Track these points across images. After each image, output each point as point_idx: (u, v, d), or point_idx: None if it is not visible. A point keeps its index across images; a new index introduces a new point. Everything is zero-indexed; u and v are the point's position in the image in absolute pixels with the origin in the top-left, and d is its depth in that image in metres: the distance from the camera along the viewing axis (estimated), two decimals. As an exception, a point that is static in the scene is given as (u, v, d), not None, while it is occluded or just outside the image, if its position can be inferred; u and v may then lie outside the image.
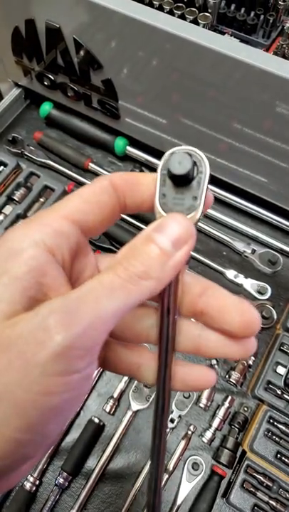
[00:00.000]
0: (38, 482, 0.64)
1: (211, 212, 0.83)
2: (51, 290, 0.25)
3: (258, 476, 0.63)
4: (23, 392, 0.21)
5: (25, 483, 0.63)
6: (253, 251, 0.79)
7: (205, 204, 0.27)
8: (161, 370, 0.29)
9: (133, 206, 0.29)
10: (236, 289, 0.77)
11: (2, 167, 0.85)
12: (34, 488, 0.63)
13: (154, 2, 0.74)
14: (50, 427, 0.23)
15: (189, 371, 0.30)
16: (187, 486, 0.65)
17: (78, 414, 0.69)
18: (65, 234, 0.26)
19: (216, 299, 0.28)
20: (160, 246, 0.24)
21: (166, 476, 0.65)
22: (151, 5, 0.74)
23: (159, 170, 0.27)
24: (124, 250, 0.25)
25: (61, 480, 0.64)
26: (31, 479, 0.63)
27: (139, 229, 0.82)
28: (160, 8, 0.73)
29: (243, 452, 0.66)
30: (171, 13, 0.73)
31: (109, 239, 0.80)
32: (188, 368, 0.30)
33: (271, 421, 0.66)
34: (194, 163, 0.26)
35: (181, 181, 0.26)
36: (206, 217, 0.83)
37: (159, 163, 0.27)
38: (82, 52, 0.73)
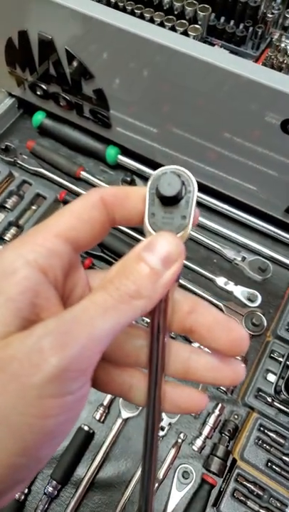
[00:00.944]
0: (26, 491, 0.63)
1: (201, 220, 0.84)
2: (44, 310, 0.25)
3: (248, 485, 0.63)
4: (18, 416, 0.21)
5: (13, 492, 0.62)
6: (243, 258, 0.80)
7: (193, 221, 0.27)
8: (151, 390, 0.29)
9: (122, 220, 0.29)
10: (226, 296, 0.78)
11: (-5, 175, 0.86)
12: (23, 497, 0.63)
13: (146, 15, 0.75)
14: (45, 451, 0.23)
15: (180, 393, 0.30)
16: (177, 495, 0.64)
17: (68, 422, 0.68)
18: (58, 253, 0.26)
19: (205, 316, 0.28)
20: (150, 265, 0.25)
21: (156, 485, 0.65)
22: (142, 17, 0.75)
23: (147, 189, 0.28)
24: (115, 269, 0.25)
25: (50, 489, 0.63)
26: (20, 488, 0.62)
27: (131, 237, 0.83)
28: (151, 21, 0.75)
29: (234, 460, 0.65)
30: (162, 25, 0.74)
31: (100, 247, 0.80)
32: (180, 390, 0.30)
33: (262, 429, 0.66)
34: (182, 183, 0.27)
35: (171, 201, 0.27)
36: (197, 225, 0.84)
37: (148, 183, 0.28)
38: (74, 63, 0.74)
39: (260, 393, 0.68)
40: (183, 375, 0.30)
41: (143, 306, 0.24)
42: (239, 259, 0.80)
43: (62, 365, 0.21)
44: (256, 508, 0.61)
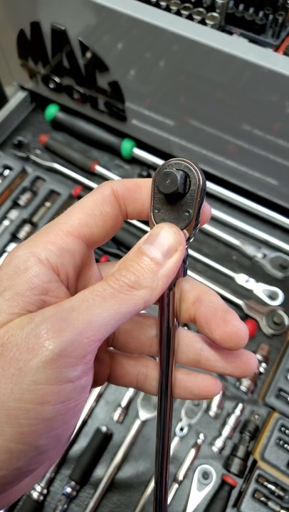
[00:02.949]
0: (45, 491, 0.63)
1: (220, 215, 0.82)
2: None
3: (269, 486, 0.62)
4: (15, 402, 0.22)
5: (32, 492, 0.62)
6: (264, 255, 0.78)
7: (202, 216, 0.27)
8: (163, 375, 0.30)
9: (135, 213, 0.29)
10: (247, 294, 0.76)
11: (8, 171, 0.84)
12: (42, 498, 0.62)
13: (161, 3, 0.72)
14: (44, 440, 0.23)
15: (193, 379, 0.30)
16: (197, 496, 0.64)
17: (86, 422, 0.68)
18: (70, 251, 0.27)
19: (205, 306, 0.28)
20: (150, 256, 0.25)
21: (175, 486, 0.64)
22: (158, 6, 0.73)
23: (152, 185, 0.27)
24: (117, 264, 0.26)
25: (69, 489, 0.63)
26: (38, 488, 0.62)
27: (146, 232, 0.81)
28: (167, 9, 0.72)
29: (254, 461, 0.64)
30: (178, 13, 0.71)
31: (116, 243, 0.79)
32: (193, 377, 0.30)
33: (283, 429, 0.65)
34: (186, 177, 0.26)
35: (172, 197, 0.27)
36: (216, 220, 0.82)
37: (153, 177, 0.27)
38: (88, 55, 0.72)
39: (281, 393, 0.67)
40: (195, 364, 0.30)
41: (145, 296, 0.24)
42: (260, 255, 0.78)
43: (57, 349, 0.22)
44: (277, 508, 0.61)
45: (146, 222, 0.80)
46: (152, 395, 0.67)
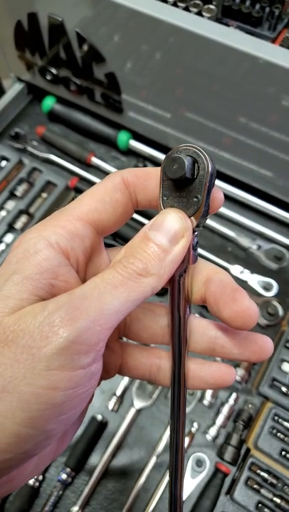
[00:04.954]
0: (41, 478, 0.64)
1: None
2: (61, 292, 0.25)
3: (262, 474, 0.63)
4: (27, 386, 0.22)
5: (28, 479, 0.63)
6: (259, 247, 0.78)
7: (213, 202, 0.27)
8: (175, 365, 0.29)
9: (144, 202, 0.29)
10: (241, 285, 0.76)
11: (4, 162, 0.85)
12: (37, 484, 0.63)
13: (158, -6, 0.73)
14: (52, 425, 0.23)
15: (208, 369, 0.30)
16: (191, 483, 0.64)
17: (81, 410, 0.68)
18: (80, 236, 0.26)
19: (216, 285, 0.28)
20: (157, 243, 0.25)
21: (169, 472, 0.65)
22: (155, -3, 0.73)
23: (161, 171, 0.27)
24: (123, 250, 0.26)
25: (64, 476, 0.63)
26: (34, 475, 0.63)
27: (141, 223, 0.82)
28: (164, 1, 0.72)
29: (248, 449, 0.65)
30: (175, 5, 0.71)
31: (112, 235, 0.79)
32: (207, 366, 0.30)
33: (276, 418, 0.66)
34: (195, 163, 0.26)
35: (181, 183, 0.26)
36: (211, 212, 0.82)
37: (162, 164, 0.27)
38: (85, 46, 0.72)
39: (275, 383, 0.67)
40: (210, 353, 0.30)
41: (153, 283, 0.24)
42: (254, 247, 0.78)
43: (71, 337, 0.22)
44: (270, 496, 0.61)
45: (142, 214, 0.81)
46: (148, 384, 0.69)
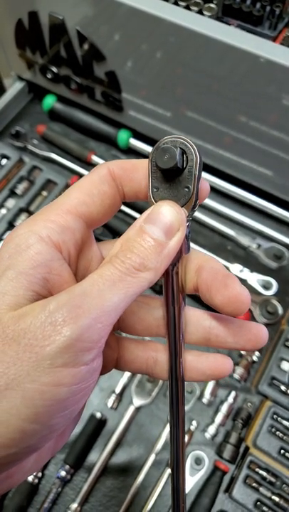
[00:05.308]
0: (40, 474, 0.64)
1: (215, 205, 0.82)
2: (55, 286, 0.26)
3: (260, 472, 0.63)
4: (31, 383, 0.22)
5: (27, 476, 0.63)
6: (259, 245, 0.79)
7: (200, 193, 0.27)
8: (172, 355, 0.29)
9: (131, 194, 0.29)
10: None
11: (5, 160, 0.85)
12: (36, 481, 0.63)
13: (159, -7, 0.73)
14: (56, 420, 0.23)
15: (204, 360, 0.30)
16: (190, 481, 0.64)
17: (80, 408, 0.68)
18: (71, 229, 0.27)
19: (207, 272, 0.28)
20: (153, 236, 0.25)
21: (168, 470, 0.65)
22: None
23: (149, 163, 0.27)
24: (119, 242, 0.26)
25: (63, 473, 0.64)
26: (33, 472, 0.63)
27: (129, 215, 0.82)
28: (165, 0, 0.72)
29: (246, 448, 0.65)
30: (176, 4, 0.72)
31: (112, 233, 0.79)
32: (204, 358, 0.30)
33: (275, 417, 0.66)
34: (183, 153, 0.26)
35: (171, 173, 0.26)
36: (211, 210, 0.83)
37: (149, 156, 0.27)
38: (85, 45, 0.72)
39: (274, 381, 0.67)
40: (205, 343, 0.30)
41: (150, 277, 0.24)
42: (254, 246, 0.78)
43: (75, 335, 0.22)
44: (268, 494, 0.62)
45: (131, 206, 0.81)
46: (147, 382, 0.69)
